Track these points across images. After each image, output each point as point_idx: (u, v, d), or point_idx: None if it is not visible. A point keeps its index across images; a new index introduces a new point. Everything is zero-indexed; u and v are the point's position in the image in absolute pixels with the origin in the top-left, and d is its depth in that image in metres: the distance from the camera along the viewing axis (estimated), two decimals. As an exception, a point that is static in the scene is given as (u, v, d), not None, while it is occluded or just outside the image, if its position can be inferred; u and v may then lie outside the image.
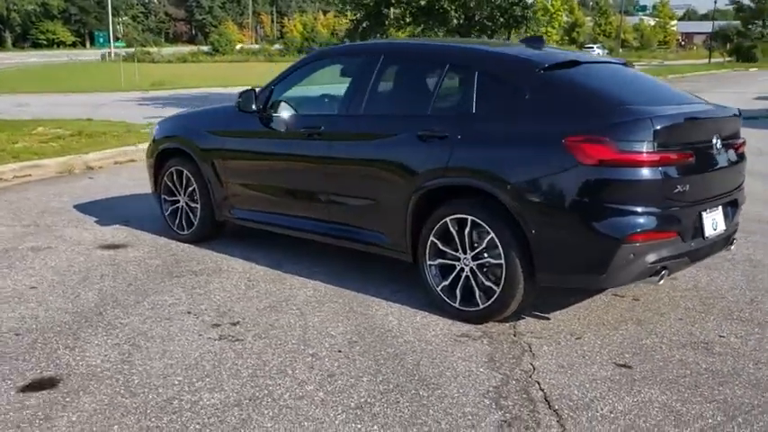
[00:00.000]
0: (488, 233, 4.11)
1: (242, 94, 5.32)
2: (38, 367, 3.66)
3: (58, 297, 4.72)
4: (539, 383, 3.53)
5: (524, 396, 3.40)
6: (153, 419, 3.15)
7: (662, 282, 4.00)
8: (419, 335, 4.13)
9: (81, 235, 6.31)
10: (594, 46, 62.52)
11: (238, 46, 75.84)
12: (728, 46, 62.38)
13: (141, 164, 10.47)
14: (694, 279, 5.06)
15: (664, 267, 3.93)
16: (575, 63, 4.39)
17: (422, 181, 4.36)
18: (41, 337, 4.05)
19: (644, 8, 78.68)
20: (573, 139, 3.80)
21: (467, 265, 4.27)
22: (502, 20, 21.98)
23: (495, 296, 4.14)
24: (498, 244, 4.07)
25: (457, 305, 4.31)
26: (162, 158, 6.24)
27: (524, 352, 3.91)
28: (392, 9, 22.70)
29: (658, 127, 3.78)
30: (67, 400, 3.32)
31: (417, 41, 6.42)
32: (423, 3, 21.19)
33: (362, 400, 3.36)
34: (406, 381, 3.55)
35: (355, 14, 23.37)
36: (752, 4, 55.86)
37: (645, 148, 3.75)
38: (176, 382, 3.51)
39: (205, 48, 74.37)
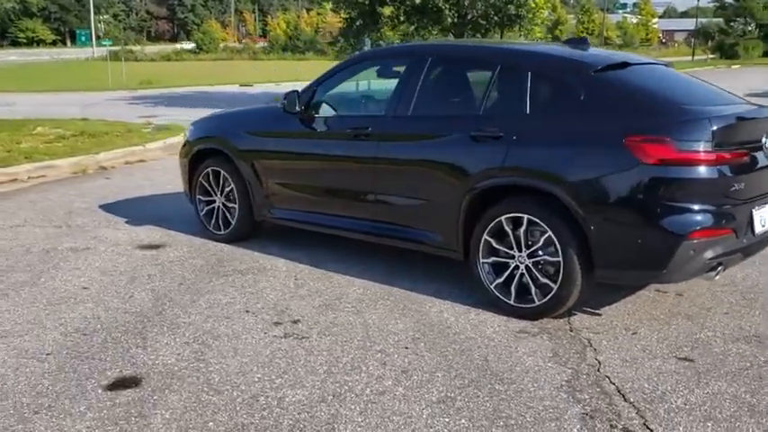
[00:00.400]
0: (545, 231, 4.21)
1: (287, 95, 5.38)
2: (116, 366, 3.71)
3: (112, 297, 4.76)
4: (608, 377, 3.63)
5: (598, 389, 3.50)
6: (244, 416, 3.22)
7: (717, 277, 4.12)
8: (479, 331, 4.22)
9: (116, 235, 6.33)
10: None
11: (222, 44, 75.48)
12: (710, 43, 63.00)
13: (151, 164, 10.61)
14: (731, 275, 5.19)
15: (719, 263, 4.05)
16: (625, 64, 4.50)
17: (476, 180, 4.45)
18: (110, 337, 4.09)
19: (624, 6, 79.30)
20: (633, 139, 3.91)
21: (522, 263, 4.37)
22: (496, 18, 22.13)
23: (553, 293, 4.24)
24: (556, 241, 4.17)
25: (512, 302, 4.41)
26: (197, 159, 6.27)
27: (585, 347, 4.01)
28: (386, 7, 22.73)
29: (715, 127, 3.90)
30: (155, 398, 3.38)
31: (465, 43, 6.50)
32: (417, 1, 21.28)
33: (442, 394, 3.44)
34: (479, 376, 3.64)
35: (349, 12, 23.40)
36: (734, 2, 56.52)
37: (703, 148, 3.87)
38: (256, 380, 3.57)
39: (189, 46, 73.91)
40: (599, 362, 3.82)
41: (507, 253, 4.43)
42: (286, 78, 33.16)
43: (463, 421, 3.20)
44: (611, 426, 3.17)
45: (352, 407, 3.32)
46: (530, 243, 4.34)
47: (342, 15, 23.81)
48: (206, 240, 6.18)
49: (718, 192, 3.94)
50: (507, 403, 3.36)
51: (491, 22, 22.35)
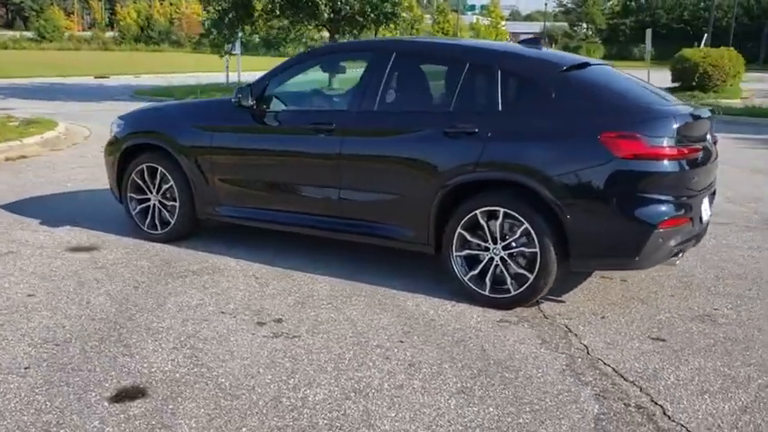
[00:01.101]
0: (522, 223, 4.38)
1: (241, 89, 5.24)
2: (110, 377, 3.50)
3: (67, 304, 4.45)
4: (601, 360, 3.86)
5: (597, 371, 3.71)
6: (275, 419, 3.15)
7: (678, 262, 4.46)
8: (462, 322, 4.34)
9: (36, 238, 5.90)
10: (434, 43, 64.66)
11: (67, 33, 71.03)
12: (554, 46, 66.93)
13: (36, 160, 9.94)
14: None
15: (680, 250, 4.40)
16: (585, 64, 4.76)
17: (451, 175, 4.55)
18: (87, 346, 3.84)
19: (473, 7, 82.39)
20: (608, 135, 4.16)
21: (497, 255, 4.51)
22: (372, 15, 22.36)
23: (529, 282, 4.42)
24: (533, 233, 4.35)
25: (487, 293, 4.55)
26: (128, 155, 5.96)
27: (567, 333, 4.23)
28: (258, 1, 22.37)
29: (678, 124, 4.24)
30: (171, 407, 3.22)
31: (430, 40, 6.55)
32: (291, -5, 21.13)
33: (458, 385, 3.52)
34: (485, 365, 3.75)
35: (221, 4, 22.82)
36: (577, 8, 60.39)
37: (668, 143, 4.19)
38: (268, 381, 3.49)
39: (29, 33, 68.93)
40: (585, 346, 4.03)
41: (482, 245, 4.56)
42: (145, 71, 31.89)
43: (491, 409, 3.29)
44: (625, 404, 3.37)
45: (379, 402, 3.32)
46: (505, 235, 4.48)
47: (213, 7, 23.13)
48: (140, 241, 5.88)
49: (680, 184, 4.27)
50: (523, 390, 3.49)
51: (367, 19, 22.55)
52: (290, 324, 4.23)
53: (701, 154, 4.46)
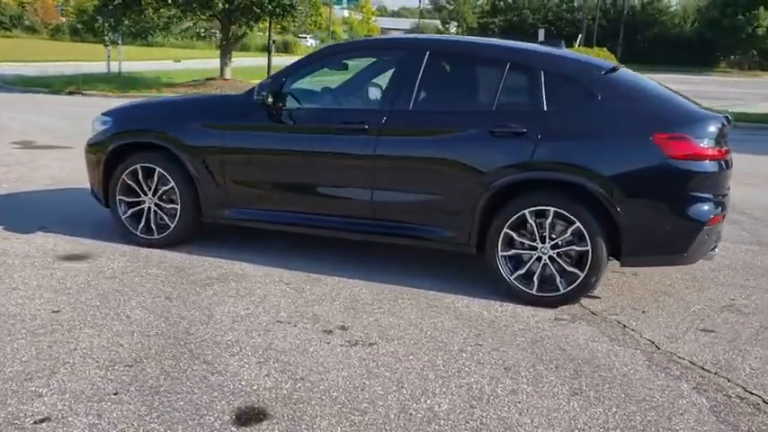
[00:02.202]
0: (573, 222, 4.46)
1: (264, 86, 4.98)
2: (216, 399, 3.26)
3: (107, 320, 4.09)
4: (674, 353, 4.01)
5: (679, 365, 3.86)
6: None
7: (714, 256, 4.71)
8: (523, 322, 4.37)
9: (13, 246, 5.41)
10: (308, 36, 64.47)
11: None
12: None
13: None
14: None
15: (715, 246, 4.65)
16: (615, 68, 4.91)
17: (499, 175, 4.57)
18: (166, 366, 3.55)
19: (340, 1, 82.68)
20: (660, 136, 4.33)
21: (545, 254, 4.58)
22: (269, 7, 21.93)
23: (579, 280, 4.52)
24: (584, 231, 4.45)
25: (534, 292, 4.61)
26: (116, 155, 5.54)
27: (624, 328, 4.36)
28: (147, -11, 21.39)
29: (717, 127, 4.47)
30: (304, 427, 3.04)
31: (463, 39, 6.41)
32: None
33: (567, 386, 3.55)
34: (576, 365, 3.80)
35: (106, -9, 21.59)
36: (449, 6, 61.98)
37: (711, 145, 4.41)
38: (381, 393, 3.38)
39: None
40: (650, 341, 4.18)
41: (529, 245, 4.60)
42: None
43: (614, 409, 3.34)
44: (726, 396, 3.53)
45: (506, 409, 3.30)
46: (553, 235, 4.54)
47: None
48: (135, 247, 5.49)
49: (719, 183, 4.51)
50: (630, 388, 3.56)
51: (264, 10, 22.08)
52: (357, 331, 4.09)
53: (730, 156, 4.71)
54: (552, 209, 4.49)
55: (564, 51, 5.12)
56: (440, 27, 64.45)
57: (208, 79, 22.43)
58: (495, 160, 4.58)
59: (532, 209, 4.54)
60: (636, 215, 4.38)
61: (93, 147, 5.68)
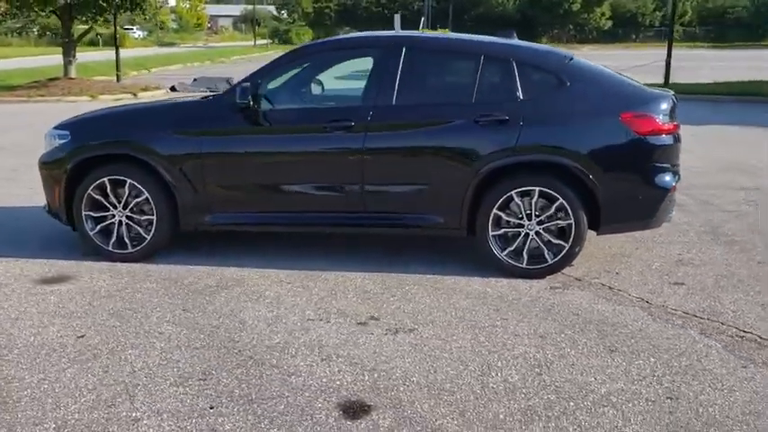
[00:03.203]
0: (557, 199, 4.92)
1: (243, 89, 5.00)
2: (315, 396, 3.39)
3: (143, 338, 4.05)
4: (664, 306, 4.58)
5: (676, 314, 4.43)
6: (587, 417, 3.32)
7: (670, 220, 5.34)
8: (526, 294, 4.78)
9: None
10: (134, 28, 61.76)
11: None
12: (257, 29, 67.55)
13: None
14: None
15: (672, 210, 5.29)
16: (572, 57, 5.40)
17: (487, 161, 4.93)
18: (239, 374, 3.61)
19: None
20: (626, 116, 4.88)
21: (531, 230, 5.02)
22: (118, 1, 20.97)
23: (565, 251, 4.99)
24: (567, 207, 4.92)
25: (524, 265, 5.04)
26: (79, 170, 5.36)
27: (611, 290, 4.89)
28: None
29: (669, 105, 5.08)
30: (411, 411, 3.27)
31: (438, 36, 6.59)
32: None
33: (602, 345, 3.98)
34: (596, 326, 4.23)
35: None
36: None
37: (667, 120, 5.02)
38: (453, 372, 3.64)
39: None
40: (640, 298, 4.73)
41: (516, 223, 5.01)
42: None
43: (652, 359, 3.81)
44: (729, 336, 4.11)
45: (567, 371, 3.67)
46: (537, 212, 4.98)
47: None
48: (109, 263, 5.36)
49: (675, 154, 5.13)
50: (652, 340, 4.06)
51: (110, 4, 21.06)
52: (389, 320, 4.31)
53: (680, 129, 5.34)
54: (537, 188, 4.91)
55: (526, 42, 5.52)
56: (274, 13, 63.87)
57: (51, 80, 21.08)
58: (483, 147, 4.92)
59: (519, 189, 4.93)
60: (612, 188, 4.90)
61: (50, 163, 5.42)
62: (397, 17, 22.72)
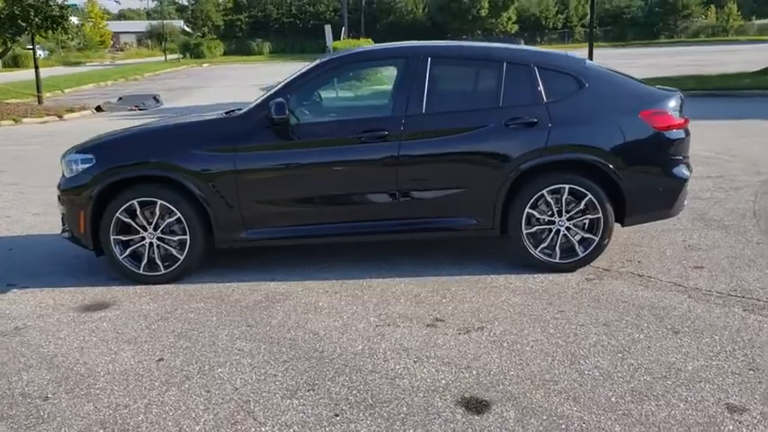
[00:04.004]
0: (586, 195, 5.21)
1: (274, 103, 5.05)
2: (431, 396, 3.50)
3: (225, 356, 4.06)
4: (698, 288, 4.91)
5: (713, 295, 4.76)
6: (641, 389, 3.57)
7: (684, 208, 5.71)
8: (568, 286, 5.02)
9: (7, 307, 4.95)
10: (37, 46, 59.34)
11: None
12: (164, 44, 66.19)
13: None
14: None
15: (685, 200, 5.65)
16: (586, 60, 5.71)
17: (519, 162, 5.16)
18: (343, 381, 3.69)
19: (75, 6, 77.05)
20: (645, 113, 5.22)
21: (562, 226, 5.29)
22: (37, 20, 20.29)
23: (595, 244, 5.28)
24: (596, 202, 5.22)
25: (557, 260, 5.30)
26: (105, 193, 5.29)
27: (642, 277, 5.19)
28: None
29: (678, 102, 5.45)
30: (527, 403, 3.44)
31: (458, 43, 6.71)
32: None
33: (665, 328, 4.25)
34: (650, 311, 4.50)
35: None
36: (191, 5, 60.49)
37: (679, 116, 5.39)
38: (544, 364, 3.82)
39: None
40: (673, 282, 5.05)
41: (548, 220, 5.27)
42: None
43: (716, 337, 4.11)
44: (771, 311, 4.47)
45: (647, 354, 3.91)
46: (568, 208, 5.25)
47: None
48: (143, 287, 5.31)
49: (687, 147, 5.49)
50: (705, 321, 4.34)
51: (31, 24, 20.35)
52: (455, 320, 4.46)
53: (689, 124, 5.69)
54: (567, 186, 5.17)
55: (538, 48, 5.78)
56: (185, 28, 62.73)
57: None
58: (514, 149, 5.15)
59: (549, 188, 5.17)
60: (635, 181, 5.21)
61: (73, 189, 5.31)
62: (327, 28, 22.91)
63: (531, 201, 5.18)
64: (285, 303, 4.82)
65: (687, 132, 5.36)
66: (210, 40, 59.22)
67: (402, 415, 3.30)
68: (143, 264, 5.29)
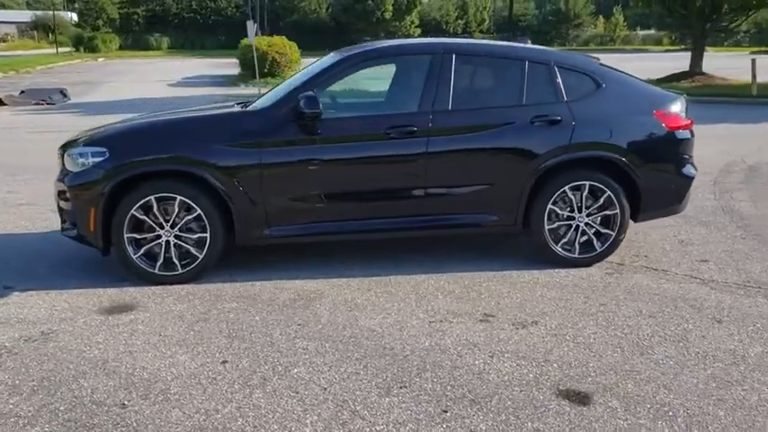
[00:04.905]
0: (605, 191, 5.39)
1: (306, 97, 4.94)
2: (527, 389, 3.52)
3: (300, 356, 3.96)
4: (716, 281, 5.17)
5: (733, 286, 5.01)
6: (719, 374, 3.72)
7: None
8: (594, 280, 5.17)
9: (34, 312, 4.63)
10: None
11: None
12: (54, 36, 62.90)
13: None
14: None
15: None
16: (599, 59, 5.89)
17: (544, 159, 5.27)
18: (440, 374, 3.68)
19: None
20: (659, 113, 5.46)
21: (581, 222, 5.45)
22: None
23: (612, 239, 5.47)
24: (614, 198, 5.40)
25: (577, 255, 5.46)
26: (120, 189, 5.03)
27: (657, 271, 5.42)
28: None
29: (684, 104, 5.72)
30: (623, 392, 3.53)
31: (480, 41, 6.62)
32: None
33: (709, 317, 4.44)
34: (685, 302, 4.66)
35: None
36: (85, -3, 57.77)
37: (685, 117, 5.67)
38: (618, 357, 3.92)
39: None
40: (689, 276, 5.29)
41: (568, 216, 5.42)
42: None
43: (757, 324, 4.34)
44: (791, 300, 4.77)
45: (707, 342, 4.08)
46: (587, 204, 5.41)
47: None
48: (162, 288, 5.07)
49: (693, 147, 5.77)
50: (739, 310, 4.55)
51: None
52: (505, 315, 4.50)
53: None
54: (587, 183, 5.32)
55: (563, 51, 5.90)
56: (75, 19, 59.79)
57: None
58: (540, 147, 5.25)
59: (571, 185, 5.31)
60: (650, 179, 5.42)
61: (83, 185, 4.98)
62: (250, 24, 22.44)
63: (554, 197, 5.27)
64: (323, 301, 4.71)
65: (692, 133, 5.62)
66: (105, 34, 56.66)
67: (511, 408, 3.30)
68: (158, 264, 5.02)
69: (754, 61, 19.08)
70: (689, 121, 5.55)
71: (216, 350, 3.96)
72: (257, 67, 21.65)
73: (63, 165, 5.23)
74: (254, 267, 5.38)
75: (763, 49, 51.36)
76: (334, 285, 5.02)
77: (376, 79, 5.94)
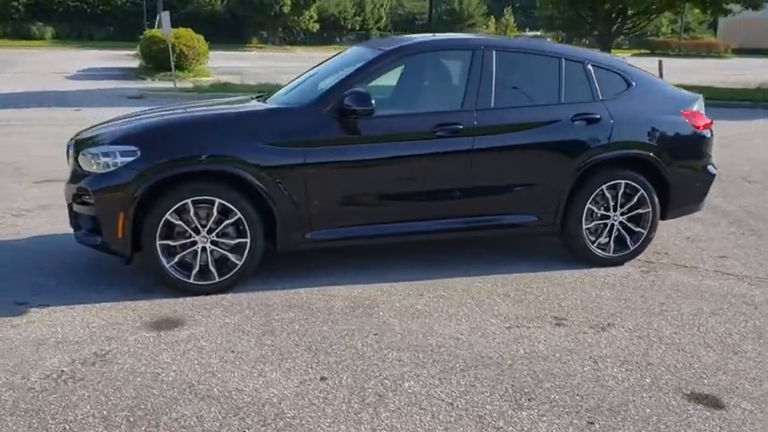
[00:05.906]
0: (638, 190, 5.44)
1: (348, 93, 4.71)
2: (657, 391, 3.49)
3: (403, 368, 3.75)
4: (744, 276, 5.32)
5: (758, 280, 5.20)
6: None
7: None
8: (630, 278, 5.20)
9: (73, 330, 4.18)
10: None
11: None
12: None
13: None
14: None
15: (707, 195, 6.07)
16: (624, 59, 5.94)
17: (585, 158, 5.25)
18: (539, 369, 3.57)
19: None
20: (685, 112, 5.58)
21: (615, 221, 5.49)
22: None
23: (644, 237, 5.53)
24: (646, 197, 5.47)
25: (611, 254, 5.49)
26: (151, 193, 4.63)
27: (684, 268, 5.52)
28: None
29: (702, 104, 5.88)
30: (753, 394, 3.55)
31: (520, 39, 6.37)
32: None
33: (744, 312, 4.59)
34: (723, 298, 4.78)
35: None
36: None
37: (706, 116, 5.82)
38: (742, 364, 3.90)
39: None
40: (715, 270, 5.43)
41: (603, 215, 5.44)
42: None
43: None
44: (828, 294, 4.98)
45: (760, 332, 4.20)
46: (622, 203, 5.45)
47: None
48: (200, 298, 4.68)
49: (712, 146, 5.92)
50: (785, 304, 4.75)
51: None
52: (576, 319, 4.44)
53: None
54: (623, 182, 5.35)
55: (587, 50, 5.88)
56: None
57: None
58: (582, 145, 5.22)
59: (609, 183, 5.32)
60: (680, 177, 5.51)
61: (112, 188, 4.53)
62: (165, 15, 21.43)
63: (593, 196, 5.26)
64: (382, 308, 4.49)
65: (712, 132, 5.75)
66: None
67: (654, 417, 3.22)
68: (194, 272, 4.63)
69: (660, 62, 20.01)
70: (709, 121, 5.67)
71: (306, 365, 3.67)
72: (172, 60, 20.70)
73: (78, 165, 4.73)
74: (280, 273, 5.06)
75: (643, 51, 54.51)
76: (382, 291, 4.79)
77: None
